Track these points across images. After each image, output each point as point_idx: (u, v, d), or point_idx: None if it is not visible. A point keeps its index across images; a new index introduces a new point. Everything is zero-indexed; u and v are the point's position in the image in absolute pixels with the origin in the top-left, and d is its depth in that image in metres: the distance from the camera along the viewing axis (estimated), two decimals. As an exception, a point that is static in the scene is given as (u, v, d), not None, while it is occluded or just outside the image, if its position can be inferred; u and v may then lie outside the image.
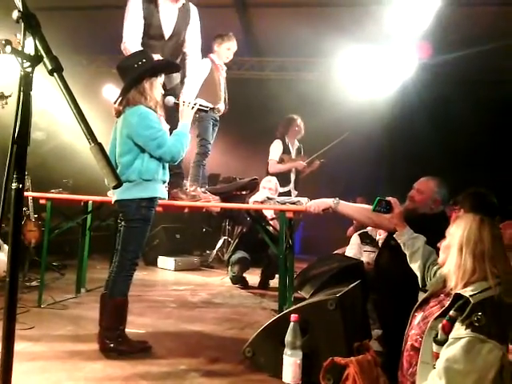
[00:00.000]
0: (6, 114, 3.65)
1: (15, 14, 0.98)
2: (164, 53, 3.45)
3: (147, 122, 2.58)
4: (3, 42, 0.97)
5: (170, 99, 2.98)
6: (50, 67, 0.95)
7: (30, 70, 0.96)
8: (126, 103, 2.64)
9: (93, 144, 0.95)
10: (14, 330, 0.97)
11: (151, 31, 3.42)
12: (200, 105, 2.97)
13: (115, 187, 1.00)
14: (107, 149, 2.56)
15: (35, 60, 0.96)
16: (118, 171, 2.53)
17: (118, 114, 2.69)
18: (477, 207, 2.45)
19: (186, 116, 2.82)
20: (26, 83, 0.96)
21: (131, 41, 3.32)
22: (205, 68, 3.75)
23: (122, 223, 2.64)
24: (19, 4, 0.97)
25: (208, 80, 3.73)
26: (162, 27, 3.46)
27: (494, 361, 1.59)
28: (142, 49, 3.11)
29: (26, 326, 2.87)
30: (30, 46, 0.96)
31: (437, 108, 6.10)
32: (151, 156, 2.59)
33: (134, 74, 2.62)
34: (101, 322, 2.62)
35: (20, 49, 0.97)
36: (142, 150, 2.59)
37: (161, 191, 2.70)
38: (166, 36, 3.50)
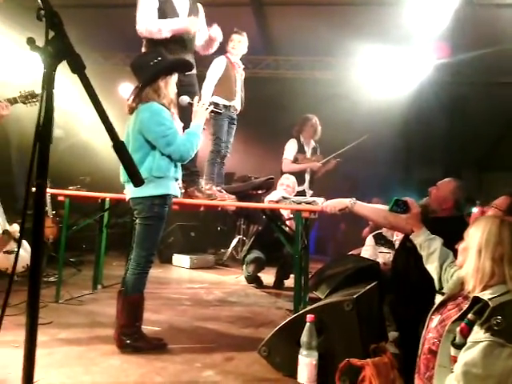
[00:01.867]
0: (24, 112, 3.72)
1: (38, 12, 0.99)
2: (186, 46, 3.45)
3: (158, 119, 2.58)
4: (27, 39, 0.98)
5: (185, 99, 2.99)
6: (72, 65, 0.96)
7: (52, 68, 0.97)
8: (140, 100, 2.65)
9: (114, 143, 0.96)
10: (37, 324, 0.98)
11: (169, 13, 3.37)
12: (214, 107, 2.97)
13: (136, 185, 1.01)
14: None
15: (58, 58, 0.97)
16: None
17: (131, 110, 2.70)
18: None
19: (199, 117, 2.82)
20: (48, 81, 0.97)
21: (151, 20, 3.27)
22: (220, 65, 3.76)
23: (137, 220, 2.66)
24: (40, 2, 0.98)
25: (223, 77, 3.75)
26: (178, 15, 3.42)
27: (513, 366, 1.55)
28: (157, 48, 3.09)
29: (45, 320, 2.91)
30: (53, 43, 0.97)
31: (454, 109, 6.03)
32: (162, 153, 2.60)
33: (150, 73, 2.62)
34: (117, 318, 2.65)
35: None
36: (153, 147, 2.60)
37: (173, 188, 2.71)
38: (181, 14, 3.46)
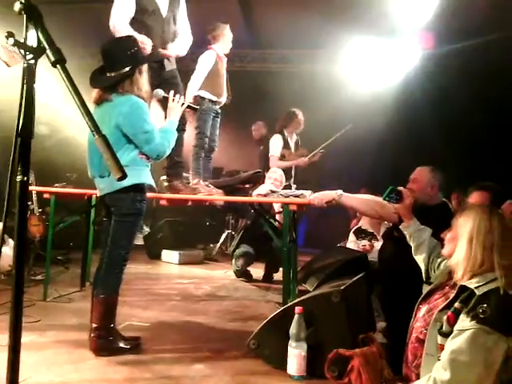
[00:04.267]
0: (8, 109, 3.65)
1: (17, 6, 0.97)
2: (164, 32, 3.40)
3: (140, 113, 2.48)
4: (6, 34, 0.96)
5: (159, 92, 2.89)
6: (52, 59, 0.94)
7: (32, 61, 0.95)
8: (114, 91, 2.50)
9: (97, 136, 0.94)
10: (21, 323, 0.97)
11: (148, 7, 3.33)
12: (189, 103, 2.89)
13: (120, 179, 1.00)
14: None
15: (38, 52, 0.95)
16: (103, 162, 2.41)
17: (102, 100, 2.52)
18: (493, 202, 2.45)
19: (174, 113, 2.73)
20: (29, 75, 0.96)
21: (120, 20, 3.23)
22: (210, 60, 3.71)
23: (114, 217, 2.52)
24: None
25: (213, 72, 3.69)
26: (158, 7, 3.37)
27: (499, 353, 1.58)
28: (130, 34, 2.97)
29: (32, 319, 2.89)
30: (32, 37, 0.95)
31: (439, 98, 6.06)
32: (136, 147, 2.50)
33: (127, 63, 2.49)
34: (92, 320, 2.51)
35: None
36: (129, 141, 2.48)
37: (149, 178, 2.61)
38: (164, 13, 3.41)
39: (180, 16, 3.56)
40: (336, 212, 3.99)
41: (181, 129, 3.39)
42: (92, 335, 2.48)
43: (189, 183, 3.56)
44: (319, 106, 5.63)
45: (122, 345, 2.51)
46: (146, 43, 3.13)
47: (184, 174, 3.69)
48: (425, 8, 5.33)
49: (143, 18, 3.33)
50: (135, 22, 3.32)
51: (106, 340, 2.47)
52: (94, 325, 2.49)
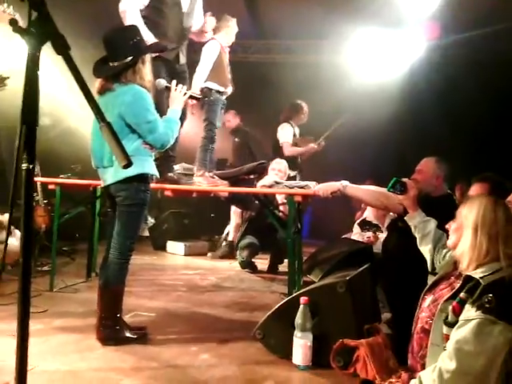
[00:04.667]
0: (6, 99, 3.63)
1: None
2: (182, 26, 3.41)
3: (142, 103, 2.47)
4: (9, 21, 0.95)
5: (162, 82, 2.89)
6: (57, 46, 0.93)
7: (36, 49, 0.94)
8: (117, 81, 2.49)
9: (102, 123, 0.94)
10: (29, 312, 0.98)
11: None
12: (192, 93, 2.87)
13: (125, 167, 0.99)
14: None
15: (42, 39, 0.94)
16: (107, 152, 2.48)
17: (104, 90, 2.51)
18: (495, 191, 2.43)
19: (177, 102, 2.72)
20: (32, 63, 0.95)
21: (132, 7, 3.20)
22: (215, 51, 3.70)
23: (119, 208, 2.52)
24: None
25: (217, 63, 3.68)
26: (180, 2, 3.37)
27: (504, 342, 1.58)
28: (138, 24, 2.95)
29: (40, 309, 2.91)
30: (36, 24, 0.94)
31: (445, 89, 6.01)
32: (140, 136, 2.49)
33: (130, 52, 2.48)
34: (98, 310, 2.53)
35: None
36: (133, 131, 2.47)
37: (153, 168, 2.59)
38: (185, 7, 3.41)
39: (197, 10, 3.55)
40: (341, 203, 3.98)
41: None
42: (98, 325, 2.50)
43: (193, 175, 3.56)
44: (323, 96, 5.59)
45: (128, 334, 2.53)
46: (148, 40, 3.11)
47: (188, 166, 3.69)
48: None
49: (162, 8, 3.32)
50: (154, 11, 3.30)
51: (113, 329, 2.49)
52: (101, 314, 2.50)
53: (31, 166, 0.93)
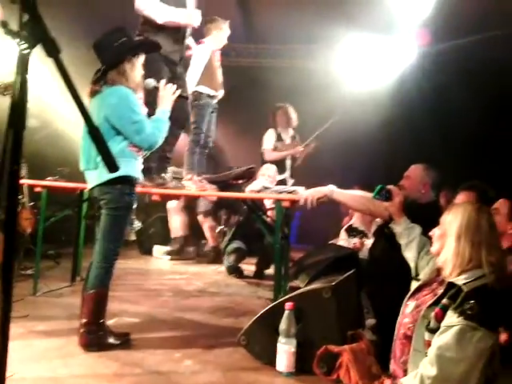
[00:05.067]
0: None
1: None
2: (179, 40, 3.41)
3: (127, 104, 2.46)
4: (0, 23, 0.95)
5: (150, 82, 2.87)
6: (47, 49, 0.93)
7: (27, 51, 0.94)
8: (104, 83, 2.50)
9: (90, 127, 0.94)
10: (10, 318, 0.96)
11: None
12: (181, 91, 2.86)
13: (112, 171, 0.99)
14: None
15: (32, 42, 0.94)
16: (93, 155, 2.47)
17: (94, 93, 2.53)
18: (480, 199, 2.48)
19: (165, 102, 2.70)
20: (22, 65, 0.95)
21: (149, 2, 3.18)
22: (205, 54, 3.70)
23: (104, 211, 2.50)
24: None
25: (208, 67, 3.69)
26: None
27: (485, 348, 1.61)
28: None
29: (21, 313, 2.86)
30: (27, 27, 0.94)
31: (436, 96, 6.06)
32: (126, 138, 2.47)
33: (114, 54, 2.49)
34: (81, 315, 2.50)
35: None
36: (119, 133, 2.46)
37: (137, 170, 2.58)
38: (189, 4, 3.41)
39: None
40: (328, 209, 4.00)
41: (181, 126, 3.39)
42: (82, 330, 2.46)
43: (181, 178, 3.56)
44: (313, 102, 5.62)
45: (111, 340, 2.50)
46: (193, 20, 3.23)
47: (177, 169, 3.69)
48: (422, 4, 5.33)
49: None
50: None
51: (96, 335, 2.46)
52: (84, 320, 2.47)
53: (16, 167, 0.92)
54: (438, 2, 5.19)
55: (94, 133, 0.95)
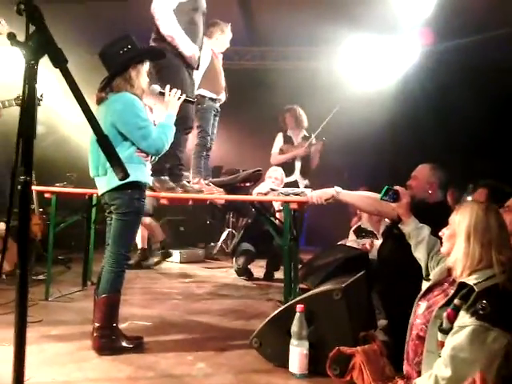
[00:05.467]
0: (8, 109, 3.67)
1: (17, 6, 0.98)
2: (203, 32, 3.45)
3: (133, 110, 2.49)
4: (7, 35, 0.96)
5: (156, 88, 2.88)
6: (54, 60, 0.94)
7: (34, 62, 0.95)
8: (110, 90, 2.55)
9: (99, 136, 0.95)
10: (26, 323, 0.98)
11: (198, 5, 3.35)
12: (186, 96, 2.89)
13: (122, 179, 1.00)
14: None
15: (39, 52, 0.95)
16: (102, 161, 2.49)
17: (100, 101, 2.58)
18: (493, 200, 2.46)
19: (171, 107, 2.73)
20: (30, 76, 0.96)
21: (167, 19, 3.18)
22: (206, 58, 3.71)
23: (114, 216, 2.53)
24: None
25: (209, 69, 3.69)
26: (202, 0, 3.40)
27: (499, 348, 1.59)
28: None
29: (34, 318, 2.90)
30: (34, 38, 0.96)
31: (439, 96, 6.05)
32: (133, 144, 2.50)
33: (120, 61, 2.51)
34: (93, 320, 2.53)
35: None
36: (126, 139, 2.49)
37: (146, 175, 2.60)
38: (205, 10, 3.44)
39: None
40: (336, 209, 4.00)
41: (187, 131, 3.40)
42: (95, 334, 2.49)
43: (189, 182, 3.57)
44: (318, 103, 5.62)
45: (124, 344, 2.52)
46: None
47: (184, 173, 3.70)
48: (425, 4, 5.31)
49: (195, 16, 3.33)
50: (188, 19, 3.29)
51: (109, 339, 2.48)
52: (97, 324, 2.49)
53: (28, 178, 0.93)
54: (440, 0, 5.15)
55: (103, 141, 0.96)
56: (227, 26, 3.84)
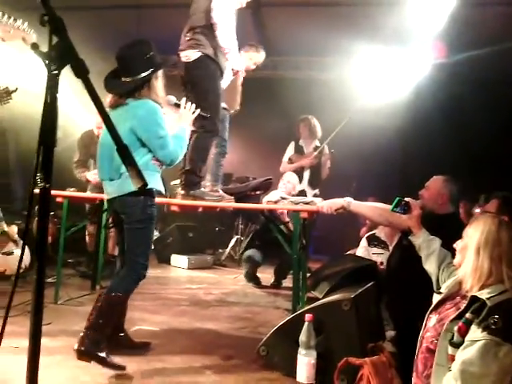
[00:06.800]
0: (19, 112, 3.67)
1: (41, 18, 1.00)
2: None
3: (155, 118, 2.47)
4: (31, 45, 0.99)
5: (172, 98, 2.88)
6: (76, 70, 0.97)
7: (56, 72, 0.98)
8: (130, 95, 2.49)
9: (119, 146, 0.97)
10: (41, 325, 0.99)
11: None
12: (201, 111, 2.89)
13: (140, 188, 1.02)
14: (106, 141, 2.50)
15: (62, 63, 0.98)
16: (114, 165, 2.45)
17: (116, 105, 2.51)
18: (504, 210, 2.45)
19: (184, 120, 2.73)
20: (52, 85, 0.98)
21: (220, 9, 3.20)
22: (229, 76, 3.73)
23: (127, 225, 2.48)
24: (44, 8, 0.99)
25: (229, 87, 3.72)
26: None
27: (510, 364, 1.58)
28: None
29: (44, 321, 2.89)
30: (56, 48, 0.98)
31: (451, 108, 6.04)
32: (150, 151, 2.48)
33: (144, 67, 2.46)
34: (89, 318, 2.40)
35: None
36: (143, 145, 2.46)
37: (159, 183, 2.58)
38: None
39: None
40: (346, 219, 3.99)
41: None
42: (81, 334, 2.34)
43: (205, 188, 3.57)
44: (329, 113, 5.64)
45: (112, 360, 2.32)
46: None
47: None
48: (437, 17, 5.33)
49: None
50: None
51: (92, 344, 2.29)
52: (87, 324, 2.37)
53: (47, 185, 0.95)
54: (452, 13, 5.17)
55: (123, 151, 0.98)
56: (248, 47, 3.93)
